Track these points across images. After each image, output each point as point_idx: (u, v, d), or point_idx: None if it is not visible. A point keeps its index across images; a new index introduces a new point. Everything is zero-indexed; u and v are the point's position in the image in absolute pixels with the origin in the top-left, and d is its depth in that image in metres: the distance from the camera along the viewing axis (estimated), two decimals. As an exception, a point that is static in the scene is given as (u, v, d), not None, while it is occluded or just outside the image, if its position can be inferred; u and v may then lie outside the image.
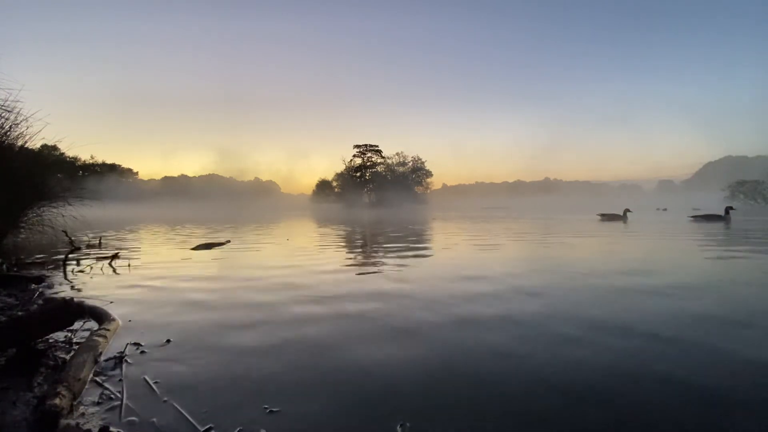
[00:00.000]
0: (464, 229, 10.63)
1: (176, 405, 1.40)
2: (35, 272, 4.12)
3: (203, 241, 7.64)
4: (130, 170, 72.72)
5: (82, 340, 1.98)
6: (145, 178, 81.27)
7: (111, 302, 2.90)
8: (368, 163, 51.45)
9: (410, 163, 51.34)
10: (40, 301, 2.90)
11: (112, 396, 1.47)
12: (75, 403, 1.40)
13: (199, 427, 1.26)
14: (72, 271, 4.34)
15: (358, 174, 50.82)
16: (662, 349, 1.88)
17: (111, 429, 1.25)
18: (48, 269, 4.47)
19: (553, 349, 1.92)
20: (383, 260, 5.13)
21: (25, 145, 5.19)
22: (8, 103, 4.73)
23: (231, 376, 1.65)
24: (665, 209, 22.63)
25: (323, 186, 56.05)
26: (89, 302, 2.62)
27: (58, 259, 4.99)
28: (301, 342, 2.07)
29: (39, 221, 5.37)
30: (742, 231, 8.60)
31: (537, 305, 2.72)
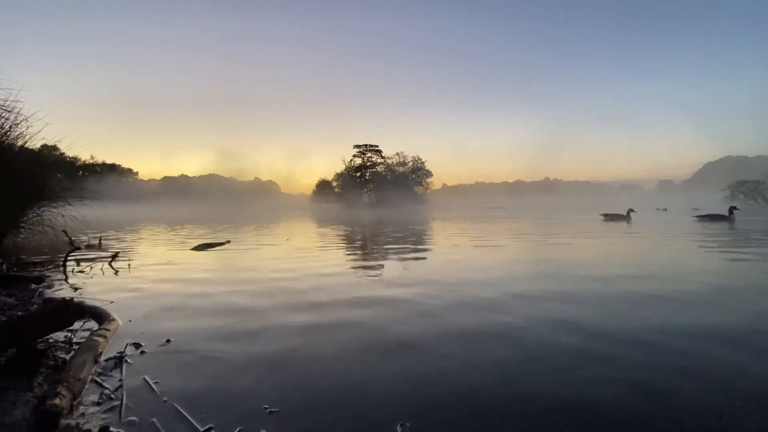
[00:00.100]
0: (464, 230, 10.63)
1: (176, 405, 1.40)
2: (35, 272, 4.12)
3: (203, 241, 7.64)
4: (130, 170, 72.73)
5: (82, 340, 1.98)
6: (145, 178, 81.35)
7: (111, 302, 2.90)
8: (368, 163, 51.43)
9: (410, 163, 51.31)
10: (40, 301, 2.91)
11: (112, 396, 1.47)
12: (75, 403, 1.40)
13: (199, 427, 1.26)
14: (72, 272, 4.33)
15: (358, 174, 50.79)
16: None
17: (111, 429, 1.25)
18: (48, 269, 4.47)
19: (574, 372, 1.65)
20: (384, 262, 5.13)
21: (25, 145, 5.20)
22: (8, 103, 4.75)
23: (231, 376, 1.65)
24: (665, 209, 22.61)
25: (323, 186, 56.02)
26: (89, 302, 2.62)
27: (58, 259, 4.98)
28: (301, 350, 2.06)
29: (39, 221, 5.38)
30: (748, 231, 8.58)
31: (565, 312, 2.55)
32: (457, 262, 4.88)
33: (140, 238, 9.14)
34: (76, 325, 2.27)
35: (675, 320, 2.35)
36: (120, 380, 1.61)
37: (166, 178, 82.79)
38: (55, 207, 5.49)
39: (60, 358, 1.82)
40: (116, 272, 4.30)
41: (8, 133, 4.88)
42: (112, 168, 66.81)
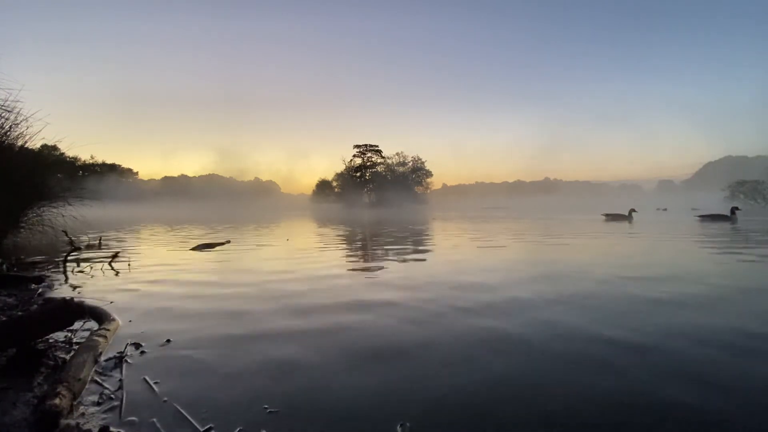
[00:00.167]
0: (464, 230, 10.63)
1: (176, 405, 1.40)
2: (35, 272, 4.12)
3: (203, 241, 7.64)
4: (130, 170, 72.78)
5: (82, 340, 1.98)
6: (145, 178, 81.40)
7: (111, 302, 2.90)
8: (368, 163, 51.42)
9: (410, 163, 51.31)
10: (41, 301, 2.90)
11: (112, 396, 1.47)
12: (75, 403, 1.40)
13: (199, 427, 1.26)
14: (72, 271, 4.33)
15: (358, 174, 50.78)
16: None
17: (111, 429, 1.25)
18: (48, 269, 4.47)
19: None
20: (383, 263, 5.12)
21: (25, 145, 5.20)
22: (8, 103, 4.75)
23: (231, 376, 1.65)
24: (665, 209, 22.62)
25: (323, 186, 56.00)
26: (89, 302, 2.62)
27: (58, 260, 4.98)
28: (301, 351, 2.06)
29: (39, 221, 5.38)
30: (748, 232, 8.56)
31: (566, 314, 2.56)
32: (458, 263, 4.87)
33: (140, 238, 9.14)
34: (76, 325, 2.27)
35: (698, 322, 2.33)
36: (120, 380, 1.60)
37: (166, 178, 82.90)
38: (55, 207, 5.49)
39: (60, 358, 1.82)
40: (116, 272, 4.30)
41: (8, 133, 4.89)
42: (112, 168, 66.85)
